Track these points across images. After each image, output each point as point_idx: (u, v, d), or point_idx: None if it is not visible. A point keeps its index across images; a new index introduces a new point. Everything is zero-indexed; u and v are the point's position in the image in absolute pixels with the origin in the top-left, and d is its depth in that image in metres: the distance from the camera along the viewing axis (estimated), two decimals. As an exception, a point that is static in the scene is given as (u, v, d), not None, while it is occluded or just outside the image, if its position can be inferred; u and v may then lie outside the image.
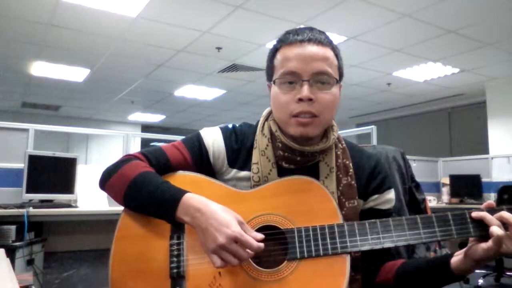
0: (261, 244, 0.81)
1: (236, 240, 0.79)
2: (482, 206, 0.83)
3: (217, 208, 0.83)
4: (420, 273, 0.91)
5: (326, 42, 0.93)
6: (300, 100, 0.90)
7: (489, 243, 0.78)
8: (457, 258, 0.85)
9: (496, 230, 0.77)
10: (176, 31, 4.41)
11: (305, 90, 0.89)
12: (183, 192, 0.87)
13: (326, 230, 0.86)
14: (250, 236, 0.81)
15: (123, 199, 0.92)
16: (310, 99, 0.89)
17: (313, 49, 0.91)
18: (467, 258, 0.83)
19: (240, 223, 0.82)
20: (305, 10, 3.89)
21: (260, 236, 0.83)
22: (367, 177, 1.00)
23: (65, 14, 3.99)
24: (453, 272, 0.85)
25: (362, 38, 4.55)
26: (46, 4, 3.78)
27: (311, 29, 0.95)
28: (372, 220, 0.86)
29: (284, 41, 0.95)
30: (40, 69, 5.77)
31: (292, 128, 0.92)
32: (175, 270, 0.87)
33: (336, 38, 4.53)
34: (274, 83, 0.95)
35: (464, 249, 0.84)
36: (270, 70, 0.98)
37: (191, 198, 0.85)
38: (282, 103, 0.92)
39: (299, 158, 0.96)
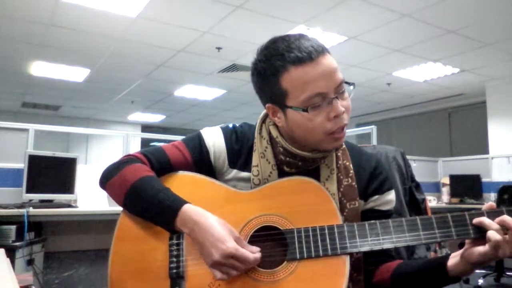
0: (258, 256, 0.82)
1: (231, 256, 0.80)
2: (483, 208, 0.83)
3: (214, 222, 0.83)
4: (417, 274, 0.91)
5: (324, 48, 0.89)
6: (336, 117, 0.87)
7: (486, 248, 0.78)
8: (454, 260, 0.85)
9: (492, 234, 0.77)
10: (176, 31, 4.41)
11: (339, 107, 0.87)
12: (182, 203, 0.87)
13: (326, 231, 0.86)
14: (246, 249, 0.82)
15: (123, 203, 0.92)
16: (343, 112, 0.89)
17: (325, 63, 0.86)
18: (463, 260, 0.83)
19: (237, 239, 0.82)
20: (305, 10, 3.89)
21: (256, 249, 0.84)
22: (367, 177, 1.00)
23: (65, 14, 3.99)
24: (449, 273, 0.85)
25: (362, 38, 4.55)
26: (46, 4, 3.78)
27: (301, 37, 0.89)
28: (372, 221, 0.86)
29: (289, 60, 0.86)
30: (40, 69, 5.77)
31: (327, 145, 0.92)
32: (174, 270, 0.87)
33: (336, 38, 4.53)
34: (295, 109, 0.88)
35: (460, 251, 0.84)
36: (275, 93, 0.90)
37: (189, 210, 0.85)
38: (316, 126, 0.88)
39: (300, 163, 0.96)
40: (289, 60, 0.86)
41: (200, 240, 0.83)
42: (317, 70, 0.85)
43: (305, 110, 0.87)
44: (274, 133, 0.97)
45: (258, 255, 0.82)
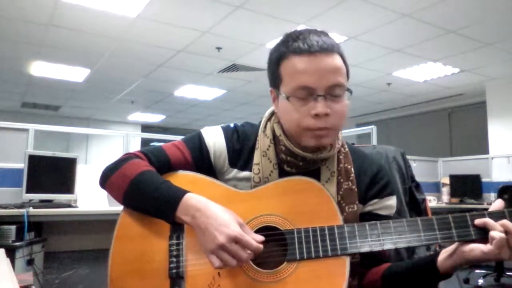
0: (261, 246, 0.81)
1: (235, 240, 0.79)
2: (491, 207, 0.82)
3: (217, 209, 0.83)
4: (407, 273, 0.90)
5: (335, 48, 0.89)
6: (316, 115, 0.87)
7: (489, 247, 0.77)
8: (445, 255, 0.84)
9: (497, 234, 0.76)
10: (176, 31, 4.41)
11: (321, 106, 0.86)
12: (184, 191, 0.87)
13: (326, 232, 0.85)
14: (250, 236, 0.81)
15: (123, 198, 0.92)
16: (326, 114, 0.87)
17: (325, 60, 0.87)
18: (457, 256, 0.81)
19: (240, 224, 0.82)
20: (305, 10, 3.89)
21: (260, 237, 0.83)
22: (368, 182, 0.99)
23: (65, 14, 3.99)
24: (439, 270, 0.83)
25: (362, 38, 4.55)
26: (45, 4, 3.78)
27: (316, 32, 0.90)
28: (373, 222, 0.85)
29: (291, 49, 0.89)
30: (40, 69, 5.77)
31: (306, 140, 0.91)
32: (174, 271, 0.86)
33: (336, 38, 4.50)
34: (283, 96, 0.90)
35: (453, 246, 0.83)
36: (275, 77, 0.94)
37: (191, 198, 0.85)
38: (295, 118, 0.89)
39: (301, 163, 0.96)
40: (291, 49, 0.89)
41: (203, 226, 0.82)
42: (311, 64, 0.87)
43: (288, 99, 0.89)
44: (278, 131, 0.97)
45: (261, 245, 0.81)
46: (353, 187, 0.97)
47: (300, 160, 0.95)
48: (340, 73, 0.89)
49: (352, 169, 0.99)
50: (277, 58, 0.92)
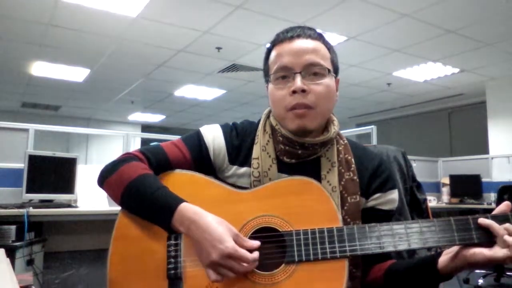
0: (256, 257, 0.80)
1: (230, 256, 0.78)
2: (500, 207, 0.81)
3: (212, 221, 0.82)
4: (408, 273, 0.90)
5: (316, 36, 0.96)
6: (294, 92, 0.91)
7: (492, 252, 0.76)
8: (447, 257, 0.83)
9: (508, 238, 0.75)
10: (176, 31, 4.41)
11: (297, 82, 0.90)
12: (179, 200, 0.86)
13: (325, 234, 0.84)
14: (246, 245, 0.81)
15: (120, 201, 0.91)
16: (303, 90, 0.90)
17: (303, 42, 0.94)
18: (459, 259, 0.81)
19: (235, 236, 0.81)
20: (305, 10, 3.89)
21: (256, 243, 0.82)
22: (370, 175, 0.99)
23: (65, 14, 3.99)
24: (440, 272, 0.83)
25: (362, 38, 4.55)
26: (46, 4, 3.78)
27: (301, 26, 0.97)
28: (372, 224, 0.85)
29: (276, 40, 0.98)
30: (40, 69, 5.77)
31: (289, 122, 0.93)
32: (172, 271, 0.86)
33: (336, 38, 4.53)
34: (269, 80, 0.97)
35: (455, 249, 0.82)
36: (266, 71, 1.00)
37: (186, 209, 0.84)
38: (277, 98, 0.94)
39: (300, 151, 0.95)
40: (275, 41, 0.98)
41: (198, 239, 0.81)
42: (289, 47, 0.94)
43: (272, 82, 0.95)
44: (274, 122, 0.98)
45: (256, 255, 0.80)
46: (355, 177, 0.96)
47: (299, 147, 0.95)
48: (319, 55, 0.93)
49: (353, 160, 0.98)
50: (266, 54, 1.00)
